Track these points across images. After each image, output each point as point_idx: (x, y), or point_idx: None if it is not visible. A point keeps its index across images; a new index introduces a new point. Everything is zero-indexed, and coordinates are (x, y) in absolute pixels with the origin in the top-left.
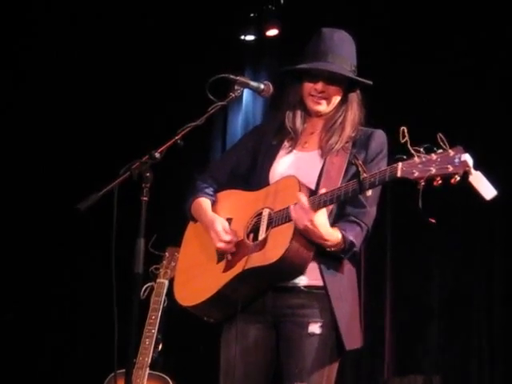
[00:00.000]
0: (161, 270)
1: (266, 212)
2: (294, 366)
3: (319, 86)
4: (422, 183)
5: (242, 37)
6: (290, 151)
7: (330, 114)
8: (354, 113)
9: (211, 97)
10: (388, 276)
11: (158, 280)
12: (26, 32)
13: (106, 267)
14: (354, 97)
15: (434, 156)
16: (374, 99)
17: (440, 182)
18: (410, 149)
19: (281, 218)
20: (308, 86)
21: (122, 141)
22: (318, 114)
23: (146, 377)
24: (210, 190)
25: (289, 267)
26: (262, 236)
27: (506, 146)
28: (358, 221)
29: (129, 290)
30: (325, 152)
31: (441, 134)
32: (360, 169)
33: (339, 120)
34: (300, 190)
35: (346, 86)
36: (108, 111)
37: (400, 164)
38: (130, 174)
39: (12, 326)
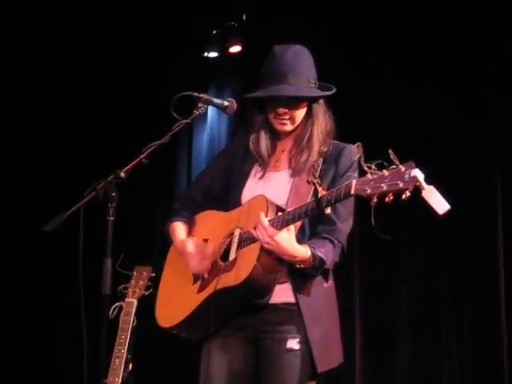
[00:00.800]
0: (129, 290)
1: (237, 232)
2: (272, 382)
3: (280, 110)
4: (375, 200)
5: (205, 54)
6: (262, 173)
7: (297, 130)
8: (320, 125)
9: (175, 115)
10: (356, 290)
11: (126, 299)
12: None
13: (74, 288)
14: (319, 108)
15: (385, 172)
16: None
17: (392, 198)
18: (364, 165)
19: (249, 238)
20: (270, 110)
21: (87, 160)
22: (286, 134)
23: None
24: (185, 213)
25: (256, 286)
26: (232, 256)
27: (470, 158)
28: (330, 237)
29: (97, 310)
30: (295, 171)
31: (391, 150)
32: (318, 187)
33: (306, 136)
34: (268, 209)
35: (309, 100)
36: (72, 130)
37: (354, 181)
38: (95, 194)
39: None
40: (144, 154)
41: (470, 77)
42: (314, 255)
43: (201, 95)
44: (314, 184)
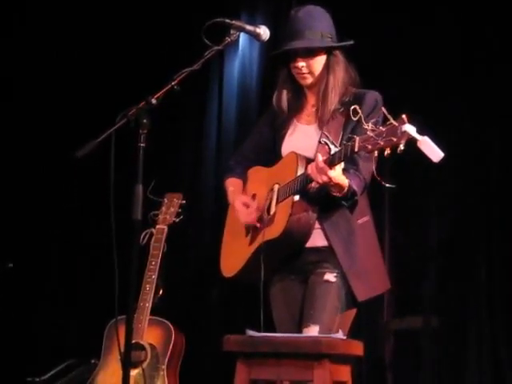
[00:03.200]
0: (160, 216)
1: (275, 188)
2: (308, 309)
3: (298, 63)
4: (376, 154)
5: None
6: (295, 126)
7: (318, 83)
8: (336, 76)
9: (207, 41)
10: (386, 219)
11: (157, 226)
12: None
13: (105, 214)
14: (335, 61)
15: (382, 129)
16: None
17: (389, 152)
18: (364, 124)
19: (283, 192)
20: (291, 65)
21: (118, 87)
22: (310, 87)
23: (147, 322)
24: (238, 170)
25: (294, 236)
26: (272, 211)
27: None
28: (357, 173)
29: (128, 237)
30: (321, 123)
31: (383, 108)
32: (330, 146)
33: (322, 87)
34: (298, 163)
35: (326, 53)
36: (102, 59)
37: (357, 139)
38: (126, 121)
39: (11, 274)
40: (175, 81)
41: None
42: (349, 186)
43: (233, 22)
44: (326, 144)
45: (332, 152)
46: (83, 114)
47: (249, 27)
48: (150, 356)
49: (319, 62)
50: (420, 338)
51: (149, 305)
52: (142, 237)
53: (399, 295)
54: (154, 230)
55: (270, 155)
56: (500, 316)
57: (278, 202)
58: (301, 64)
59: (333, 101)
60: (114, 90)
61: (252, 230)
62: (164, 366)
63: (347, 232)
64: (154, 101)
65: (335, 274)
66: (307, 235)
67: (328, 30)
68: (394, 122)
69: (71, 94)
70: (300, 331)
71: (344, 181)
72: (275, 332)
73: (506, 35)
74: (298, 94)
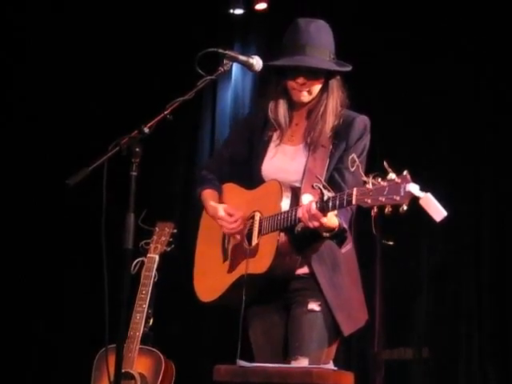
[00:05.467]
0: (151, 245)
1: (257, 216)
2: (294, 341)
3: (300, 80)
4: (375, 210)
5: (231, 11)
6: (278, 145)
7: (312, 102)
8: (335, 99)
9: (200, 71)
10: (377, 250)
11: (148, 255)
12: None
13: (97, 243)
14: (335, 83)
15: (384, 183)
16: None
17: (390, 209)
18: (364, 176)
19: (268, 226)
20: (289, 79)
21: (111, 115)
22: (301, 105)
23: (137, 351)
24: (215, 181)
25: (279, 272)
26: (254, 242)
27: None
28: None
29: (119, 265)
30: (310, 146)
31: (385, 162)
32: (324, 190)
33: (321, 109)
34: (281, 194)
35: (326, 74)
36: (95, 87)
37: (355, 190)
38: (119, 149)
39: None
40: (168, 110)
41: None
42: (339, 225)
43: (226, 52)
44: (319, 189)
45: (325, 198)
46: (76, 140)
47: (242, 57)
48: None
49: (319, 81)
50: (411, 369)
51: (139, 334)
52: (133, 266)
53: (390, 326)
54: (145, 259)
55: (243, 170)
56: (490, 349)
57: (260, 234)
58: (302, 81)
59: (330, 125)
60: (107, 118)
61: (231, 255)
62: None
63: (332, 263)
64: (146, 130)
65: (319, 303)
66: (291, 274)
67: (333, 49)
68: (397, 179)
69: (62, 120)
70: (283, 360)
71: (335, 223)
72: (253, 360)
73: None
74: (288, 109)
